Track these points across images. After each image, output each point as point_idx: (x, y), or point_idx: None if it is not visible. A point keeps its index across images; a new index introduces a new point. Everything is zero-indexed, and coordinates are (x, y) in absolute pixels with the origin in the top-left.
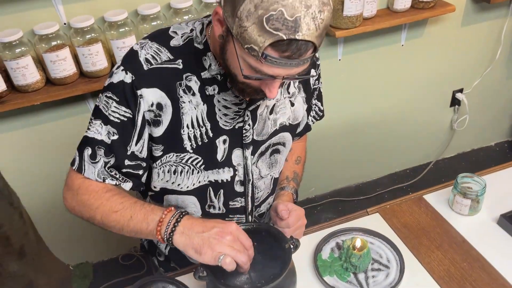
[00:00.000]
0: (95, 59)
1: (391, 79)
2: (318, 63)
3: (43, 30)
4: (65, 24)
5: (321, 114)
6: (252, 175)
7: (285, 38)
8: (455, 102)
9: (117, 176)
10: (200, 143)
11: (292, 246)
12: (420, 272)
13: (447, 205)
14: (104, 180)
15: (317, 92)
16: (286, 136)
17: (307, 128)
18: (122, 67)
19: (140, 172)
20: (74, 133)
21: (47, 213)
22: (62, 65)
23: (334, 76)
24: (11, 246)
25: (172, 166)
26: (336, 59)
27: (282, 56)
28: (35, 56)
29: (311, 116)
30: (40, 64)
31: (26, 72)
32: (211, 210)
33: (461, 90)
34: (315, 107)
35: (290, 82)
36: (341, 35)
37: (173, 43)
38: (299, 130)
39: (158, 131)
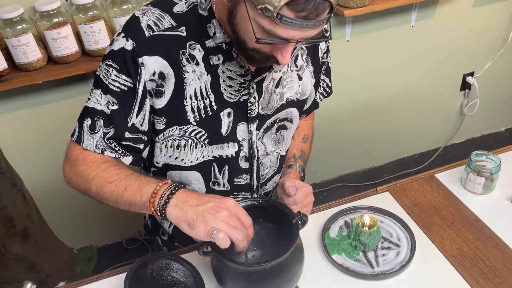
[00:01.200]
0: (98, 37)
1: (400, 61)
2: (328, 34)
3: (44, 7)
4: (66, 1)
5: (329, 90)
6: (258, 151)
7: None
8: (465, 86)
9: (117, 149)
10: (204, 116)
11: (299, 222)
12: (432, 251)
13: (459, 184)
14: (102, 152)
15: (325, 67)
16: (293, 112)
17: (315, 105)
18: (122, 34)
19: (141, 146)
20: (76, 114)
21: (50, 196)
22: (63, 43)
23: (342, 58)
24: (14, 227)
25: (175, 140)
26: (345, 40)
27: (298, 16)
28: (36, 34)
29: (318, 92)
30: (42, 42)
31: (27, 50)
32: (216, 187)
33: (471, 74)
34: (323, 83)
35: (298, 54)
36: (350, 14)
37: (176, 9)
38: (306, 106)
39: (161, 102)
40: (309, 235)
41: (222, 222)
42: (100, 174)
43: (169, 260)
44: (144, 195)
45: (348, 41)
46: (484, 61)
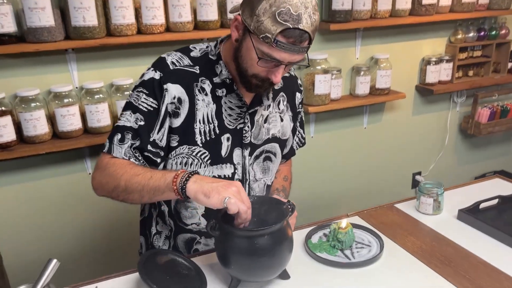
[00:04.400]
0: (101, 116)
1: (357, 159)
2: (301, 88)
3: (59, 88)
4: (76, 87)
5: (303, 141)
6: (249, 176)
7: (291, 26)
8: (415, 183)
9: (140, 159)
10: (208, 139)
11: (289, 207)
12: (397, 249)
13: (414, 210)
14: (129, 159)
15: (299, 118)
16: (276, 147)
17: (292, 152)
18: (152, 68)
19: (158, 160)
20: (66, 192)
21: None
22: (70, 119)
23: (306, 152)
24: None
25: (184, 158)
26: (309, 136)
27: (288, 41)
28: (47, 113)
29: (295, 141)
30: (50, 120)
31: (37, 124)
32: None
33: (419, 173)
34: (298, 134)
35: (280, 100)
36: (313, 111)
37: (192, 54)
38: (286, 151)
39: (177, 122)
40: (294, 244)
41: (233, 193)
42: (128, 171)
43: (174, 256)
44: (168, 178)
45: (312, 137)
46: (428, 162)
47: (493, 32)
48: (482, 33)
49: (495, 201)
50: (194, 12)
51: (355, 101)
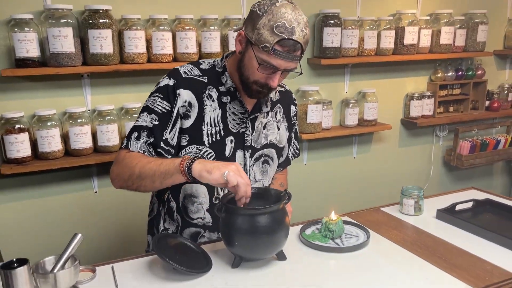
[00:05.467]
0: (110, 136)
1: (347, 187)
2: (296, 102)
3: (73, 109)
4: (89, 110)
5: (298, 152)
6: (250, 176)
7: (286, 37)
8: None
9: (153, 154)
10: (214, 140)
11: (287, 195)
12: (382, 240)
13: (398, 212)
14: (144, 152)
15: (294, 130)
16: (273, 152)
17: (288, 161)
18: (167, 77)
19: (169, 157)
20: (73, 209)
21: None
22: (82, 138)
23: (299, 178)
24: None
25: (192, 156)
26: (303, 164)
27: (284, 50)
28: (61, 132)
29: (290, 151)
30: (64, 138)
31: (52, 141)
32: (217, 202)
33: None
34: (293, 145)
35: (277, 111)
36: (306, 138)
37: (201, 66)
38: (282, 159)
39: (187, 123)
40: (289, 237)
41: (232, 170)
42: (141, 160)
43: (182, 240)
44: (176, 162)
45: (305, 164)
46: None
47: (470, 72)
48: (460, 73)
49: (470, 204)
50: (199, 45)
51: (344, 130)
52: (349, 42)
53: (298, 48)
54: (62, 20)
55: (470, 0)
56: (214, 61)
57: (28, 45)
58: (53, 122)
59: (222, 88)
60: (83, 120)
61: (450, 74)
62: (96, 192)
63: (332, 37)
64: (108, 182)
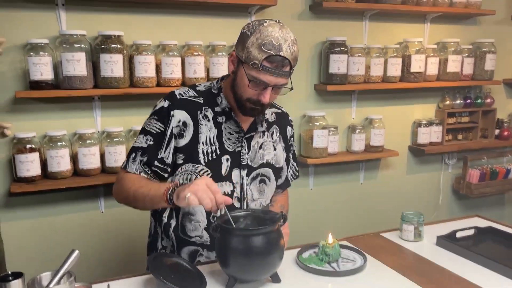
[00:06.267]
0: (118, 157)
1: (353, 213)
2: (292, 123)
3: (83, 131)
4: (99, 131)
5: (297, 174)
6: (247, 195)
7: (273, 53)
8: None
9: (149, 173)
10: (210, 158)
11: (282, 216)
12: (379, 265)
13: (398, 238)
14: (139, 173)
15: (292, 151)
16: (270, 172)
17: (287, 183)
18: (163, 99)
19: (166, 175)
20: (78, 230)
21: None
22: (90, 159)
23: (305, 202)
24: None
25: (189, 174)
26: (308, 189)
27: (272, 66)
28: (70, 153)
29: (289, 173)
30: (72, 158)
31: (61, 161)
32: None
33: None
34: (292, 166)
35: (273, 131)
36: (312, 162)
37: (198, 88)
38: (280, 181)
39: (182, 142)
40: (286, 260)
41: (192, 190)
42: (135, 183)
43: (178, 260)
44: (161, 190)
45: (311, 189)
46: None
47: (479, 101)
48: (468, 101)
49: (472, 232)
50: (207, 70)
51: (351, 156)
52: (355, 69)
53: (286, 63)
54: (75, 45)
55: (477, 30)
56: (210, 84)
57: (42, 68)
58: (63, 143)
59: (217, 109)
60: (92, 141)
61: (458, 102)
62: (102, 212)
63: (338, 64)
64: (114, 203)
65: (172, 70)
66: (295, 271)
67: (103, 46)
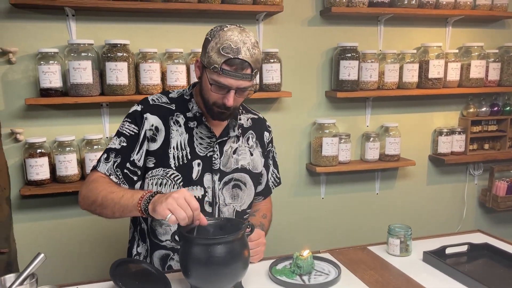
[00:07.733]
0: None
1: (368, 224)
2: (270, 129)
3: (91, 136)
4: (107, 137)
5: (278, 181)
6: (219, 199)
7: (232, 57)
8: None
9: (120, 176)
10: (181, 163)
11: (248, 226)
12: (353, 280)
13: (385, 252)
14: (109, 176)
15: (272, 157)
16: (247, 178)
17: (268, 190)
18: (136, 104)
19: (135, 178)
20: (85, 232)
21: None
22: None
23: (317, 211)
24: None
25: (159, 179)
26: (320, 197)
27: (231, 69)
28: (78, 158)
29: (270, 180)
30: (80, 163)
31: (69, 166)
32: None
33: None
34: (272, 173)
35: (249, 137)
36: (321, 171)
37: (170, 95)
38: (260, 188)
39: (154, 146)
40: (259, 270)
41: (172, 207)
42: (106, 188)
43: (144, 265)
44: (135, 199)
45: (323, 198)
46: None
47: (507, 108)
48: (495, 108)
49: (465, 248)
50: None
51: (364, 165)
52: (368, 75)
53: (246, 66)
54: (83, 54)
55: (505, 33)
56: (183, 90)
57: (51, 77)
58: (72, 148)
59: (189, 114)
60: (100, 146)
61: (484, 109)
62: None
63: (348, 70)
64: None
65: (177, 77)
66: (263, 282)
67: (109, 55)
